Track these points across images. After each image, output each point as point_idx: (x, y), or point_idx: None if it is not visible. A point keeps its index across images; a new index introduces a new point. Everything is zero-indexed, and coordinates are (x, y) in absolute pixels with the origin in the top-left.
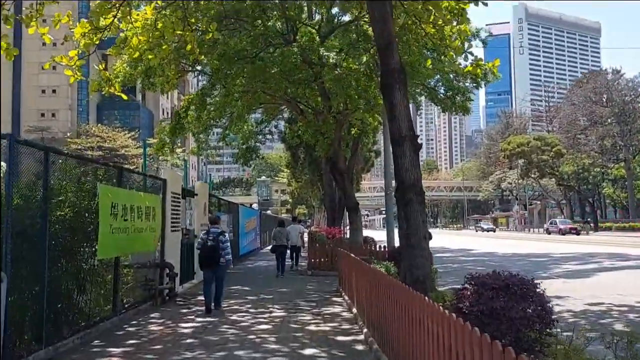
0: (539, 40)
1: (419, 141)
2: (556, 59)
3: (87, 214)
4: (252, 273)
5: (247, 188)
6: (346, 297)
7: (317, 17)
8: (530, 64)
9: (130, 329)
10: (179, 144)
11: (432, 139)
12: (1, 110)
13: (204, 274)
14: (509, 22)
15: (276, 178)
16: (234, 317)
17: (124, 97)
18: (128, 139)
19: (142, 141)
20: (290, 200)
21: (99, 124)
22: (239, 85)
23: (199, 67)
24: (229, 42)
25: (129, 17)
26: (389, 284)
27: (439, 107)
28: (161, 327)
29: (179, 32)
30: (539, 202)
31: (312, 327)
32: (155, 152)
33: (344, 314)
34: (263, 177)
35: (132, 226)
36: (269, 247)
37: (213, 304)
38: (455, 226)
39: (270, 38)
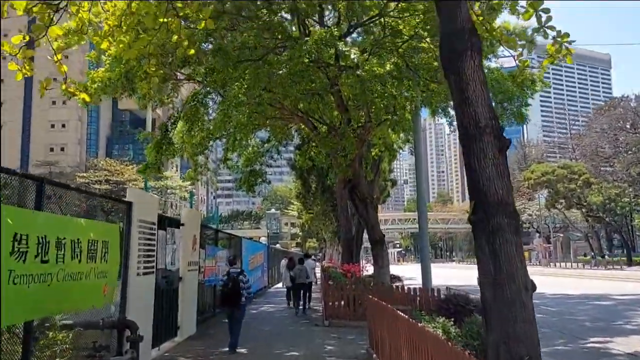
0: (548, 72)
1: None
2: (567, 90)
3: None
4: (254, 323)
5: (256, 221)
6: None
7: (331, 18)
8: (541, 96)
9: None
10: (174, 166)
11: (443, 171)
12: (3, 144)
13: (227, 315)
14: (515, 55)
15: (286, 210)
16: None
17: (86, 99)
18: (135, 172)
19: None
20: (300, 233)
21: (107, 158)
22: (238, 91)
23: (189, 70)
24: (227, 35)
25: None
26: None
27: None
28: None
29: (161, 19)
30: (561, 235)
31: None
32: (141, 173)
33: None
34: (272, 210)
35: (59, 271)
36: (279, 285)
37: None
38: (473, 260)
39: (277, 33)
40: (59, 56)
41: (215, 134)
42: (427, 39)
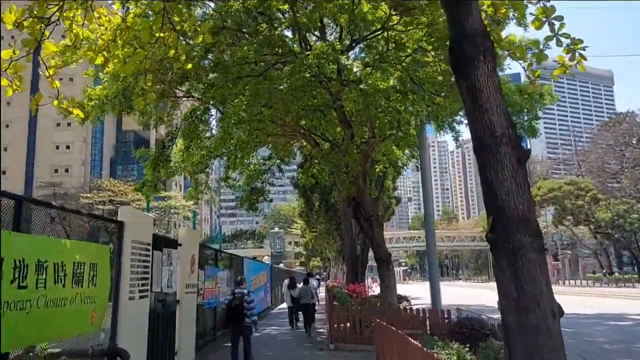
0: (550, 90)
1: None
2: (570, 107)
3: None
4: (257, 346)
5: (259, 240)
6: None
7: (332, 33)
8: (544, 113)
9: None
10: (178, 186)
11: (447, 189)
12: (9, 166)
13: (230, 337)
14: (519, 73)
15: (289, 229)
16: None
17: (80, 115)
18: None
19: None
20: (304, 252)
21: (111, 178)
22: (238, 107)
23: (186, 86)
24: (226, 50)
25: (90, 10)
26: None
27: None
28: None
29: (158, 34)
30: (569, 252)
31: None
32: (138, 191)
33: None
34: (276, 229)
35: (40, 297)
36: (283, 305)
37: None
38: (479, 278)
39: (278, 47)
40: (52, 71)
41: (215, 152)
42: (431, 53)
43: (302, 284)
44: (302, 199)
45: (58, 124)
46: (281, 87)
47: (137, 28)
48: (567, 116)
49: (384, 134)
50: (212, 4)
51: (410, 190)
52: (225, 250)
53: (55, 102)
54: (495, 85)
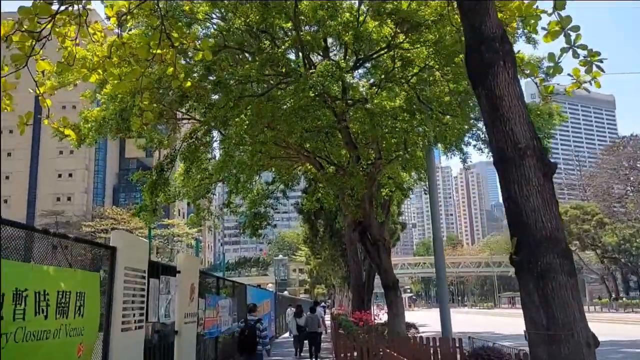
0: (559, 110)
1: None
2: (572, 132)
3: None
4: None
5: (263, 268)
6: None
7: (336, 53)
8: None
9: None
10: (181, 213)
11: (451, 214)
12: (12, 194)
13: None
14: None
15: (294, 256)
16: None
17: (72, 135)
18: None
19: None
20: (308, 279)
21: (114, 206)
22: (240, 128)
23: (186, 106)
24: (228, 68)
25: (83, 25)
26: None
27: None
28: None
29: (155, 50)
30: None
31: None
32: (136, 216)
33: None
34: (280, 256)
35: (17, 330)
36: (287, 334)
37: None
38: (485, 304)
39: (281, 66)
40: (42, 89)
41: (216, 176)
42: (438, 72)
43: (309, 312)
44: (307, 224)
45: (61, 152)
46: (284, 106)
47: (133, 45)
48: (569, 140)
49: (390, 155)
50: (214, 23)
51: (414, 216)
52: (227, 278)
53: (46, 121)
54: (517, 92)
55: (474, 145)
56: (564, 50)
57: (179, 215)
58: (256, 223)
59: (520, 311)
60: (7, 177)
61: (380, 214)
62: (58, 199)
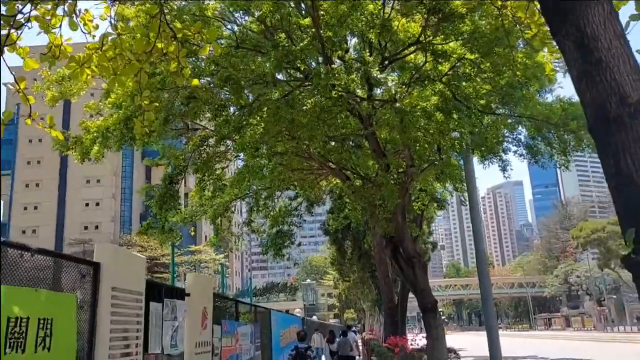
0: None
1: None
2: None
3: None
4: None
5: (292, 293)
6: None
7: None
8: (576, 153)
9: None
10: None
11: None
12: (40, 224)
13: None
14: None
15: (322, 280)
16: None
17: (60, 137)
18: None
19: (171, 245)
20: (337, 304)
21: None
22: (254, 132)
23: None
24: (239, 66)
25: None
26: None
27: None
28: None
29: (154, 40)
30: (614, 296)
31: None
32: (143, 233)
33: None
34: (308, 281)
35: None
36: None
37: None
38: (520, 326)
39: (299, 63)
40: (23, 85)
41: (234, 191)
42: (474, 67)
43: (340, 336)
44: (334, 246)
45: (88, 181)
46: (304, 107)
47: (129, 39)
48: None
49: (424, 162)
50: (225, 22)
51: (442, 238)
52: (244, 301)
53: (28, 121)
54: (618, 30)
55: (515, 152)
56: None
57: (205, 240)
58: (279, 242)
59: (560, 333)
60: (35, 207)
61: (415, 228)
62: (85, 228)
